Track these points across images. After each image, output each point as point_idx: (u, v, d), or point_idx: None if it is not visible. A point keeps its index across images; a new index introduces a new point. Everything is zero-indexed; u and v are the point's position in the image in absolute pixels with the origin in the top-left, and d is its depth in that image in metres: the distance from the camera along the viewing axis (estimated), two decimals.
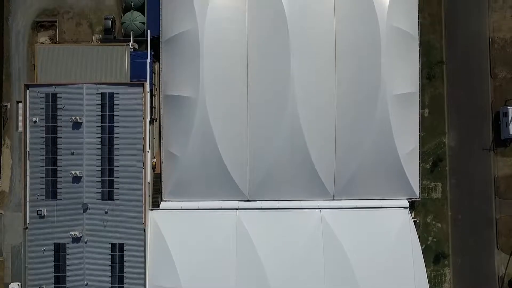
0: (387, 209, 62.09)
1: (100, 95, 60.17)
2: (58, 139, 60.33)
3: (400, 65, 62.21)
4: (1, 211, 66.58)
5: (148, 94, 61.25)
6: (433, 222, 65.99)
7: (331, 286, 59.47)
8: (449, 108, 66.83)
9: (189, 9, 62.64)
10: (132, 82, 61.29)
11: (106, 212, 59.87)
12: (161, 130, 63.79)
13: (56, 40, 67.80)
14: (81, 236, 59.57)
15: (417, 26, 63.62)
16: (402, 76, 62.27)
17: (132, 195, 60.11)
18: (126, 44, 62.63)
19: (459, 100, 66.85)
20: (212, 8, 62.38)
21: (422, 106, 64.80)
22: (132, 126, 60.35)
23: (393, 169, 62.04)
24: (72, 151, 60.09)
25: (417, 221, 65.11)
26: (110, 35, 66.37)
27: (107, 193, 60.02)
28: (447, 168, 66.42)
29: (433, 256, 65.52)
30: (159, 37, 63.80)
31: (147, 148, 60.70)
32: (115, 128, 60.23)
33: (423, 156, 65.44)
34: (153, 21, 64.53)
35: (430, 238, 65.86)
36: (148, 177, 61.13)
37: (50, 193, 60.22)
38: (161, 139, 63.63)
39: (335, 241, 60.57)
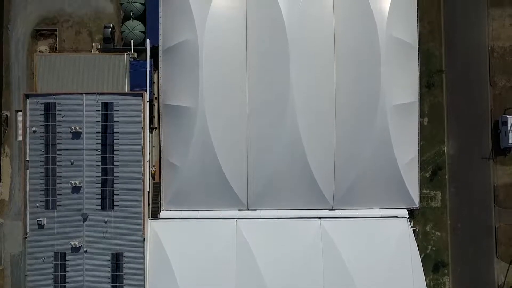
0: (387, 219, 62.15)
1: (99, 104, 60.17)
2: (57, 148, 60.31)
3: (400, 75, 62.22)
4: (1, 219, 66.65)
5: (148, 103, 61.27)
6: (433, 231, 66.02)
7: None
8: (449, 116, 66.81)
9: (188, 18, 62.61)
10: (131, 92, 61.26)
11: (105, 222, 59.88)
12: (160, 139, 63.83)
13: (56, 49, 67.83)
14: (81, 245, 59.59)
15: (417, 35, 63.58)
16: (401, 85, 62.27)
17: (132, 204, 60.12)
18: (125, 53, 62.53)
19: (458, 109, 66.84)
20: (212, 17, 62.36)
21: (421, 114, 64.78)
22: (131, 135, 60.30)
23: (393, 178, 62.06)
24: (72, 160, 60.10)
25: (417, 229, 65.10)
26: (109, 44, 66.30)
27: (107, 202, 60.04)
28: (446, 177, 66.43)
29: (433, 265, 65.55)
30: (158, 46, 63.80)
31: (147, 158, 60.74)
32: (114, 137, 60.19)
33: (423, 165, 65.44)
34: (153, 30, 64.52)
35: (429, 247, 65.89)
36: (148, 187, 61.15)
37: (50, 202, 60.22)
38: (161, 148, 63.65)
39: (335, 250, 60.61)
